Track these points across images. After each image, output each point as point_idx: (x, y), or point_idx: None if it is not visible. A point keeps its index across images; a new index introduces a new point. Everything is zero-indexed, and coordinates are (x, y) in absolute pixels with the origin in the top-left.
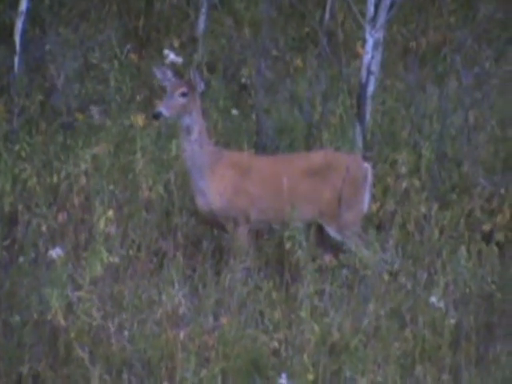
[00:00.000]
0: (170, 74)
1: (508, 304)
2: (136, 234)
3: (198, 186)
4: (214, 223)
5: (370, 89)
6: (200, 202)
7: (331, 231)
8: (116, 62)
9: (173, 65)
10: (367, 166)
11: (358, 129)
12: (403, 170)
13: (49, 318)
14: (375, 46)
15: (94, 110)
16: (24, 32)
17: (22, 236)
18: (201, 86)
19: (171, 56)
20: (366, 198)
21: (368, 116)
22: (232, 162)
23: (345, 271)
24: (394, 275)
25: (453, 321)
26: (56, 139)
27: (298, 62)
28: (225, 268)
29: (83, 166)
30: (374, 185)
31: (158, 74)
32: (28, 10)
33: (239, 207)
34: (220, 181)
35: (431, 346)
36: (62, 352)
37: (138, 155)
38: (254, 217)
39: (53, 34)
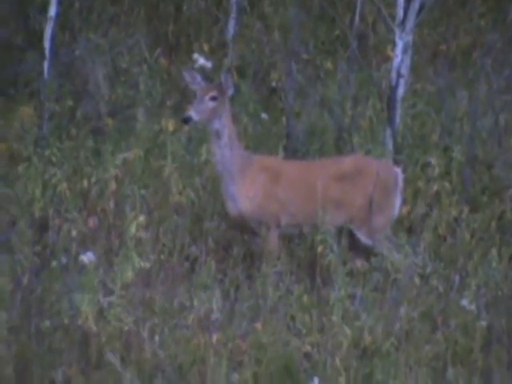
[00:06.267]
0: (199, 77)
1: None
2: (167, 239)
3: (228, 190)
4: (244, 227)
5: (400, 92)
6: (230, 207)
7: (362, 236)
8: (146, 67)
9: (202, 69)
10: (397, 170)
11: (389, 132)
12: (434, 172)
13: (80, 323)
14: (405, 49)
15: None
16: (53, 37)
17: (53, 241)
18: (231, 90)
19: (201, 60)
20: (397, 202)
21: (398, 119)
22: (262, 167)
23: (376, 275)
24: (425, 278)
25: (484, 323)
26: (86, 144)
27: (328, 65)
28: (256, 272)
29: (113, 171)
30: (404, 188)
31: (188, 78)
32: (57, 15)
33: (269, 211)
34: (250, 185)
35: (463, 349)
36: (94, 357)
37: (169, 160)
38: (284, 221)
39: (82, 39)
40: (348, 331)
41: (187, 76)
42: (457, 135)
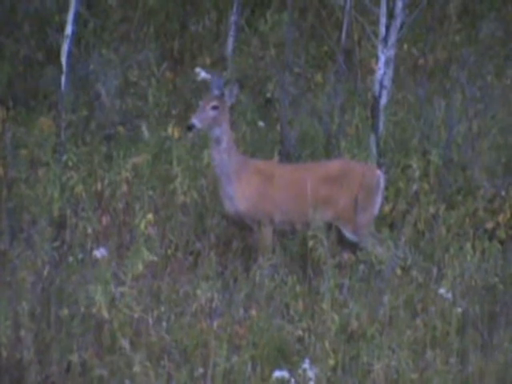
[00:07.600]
0: (220, 82)
1: (509, 295)
2: (173, 235)
3: (226, 191)
4: (241, 224)
5: (383, 101)
6: (228, 206)
7: (347, 232)
8: (153, 80)
9: (204, 81)
10: (380, 172)
11: (373, 138)
12: (414, 174)
13: (94, 311)
14: (387, 63)
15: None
16: (70, 53)
17: (70, 238)
18: (232, 100)
19: (202, 74)
20: (378, 202)
21: (381, 126)
22: (257, 170)
23: (362, 266)
24: (406, 270)
25: (460, 310)
26: (100, 150)
27: (318, 78)
28: (253, 265)
29: (124, 174)
30: (387, 188)
31: (214, 83)
32: (73, 33)
33: (264, 210)
34: (246, 186)
35: (440, 333)
36: (107, 342)
37: (174, 164)
38: (277, 219)
39: (96, 55)
40: (336, 317)
41: (214, 80)
42: (434, 140)
